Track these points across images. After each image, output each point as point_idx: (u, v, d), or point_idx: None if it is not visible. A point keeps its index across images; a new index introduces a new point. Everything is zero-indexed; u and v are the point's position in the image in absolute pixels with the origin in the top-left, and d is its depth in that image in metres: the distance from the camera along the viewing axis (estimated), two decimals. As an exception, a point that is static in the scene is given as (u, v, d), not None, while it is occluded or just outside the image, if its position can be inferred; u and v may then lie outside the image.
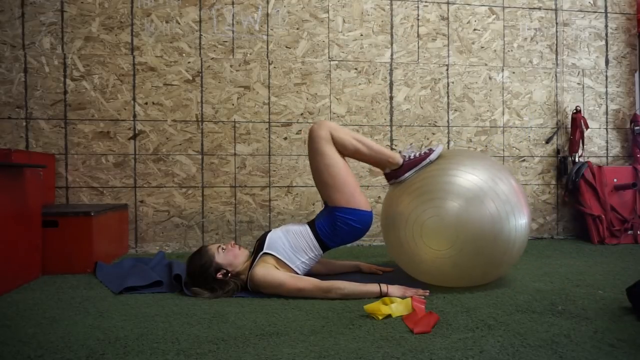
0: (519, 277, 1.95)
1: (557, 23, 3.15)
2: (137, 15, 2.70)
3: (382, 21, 2.93)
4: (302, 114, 2.84)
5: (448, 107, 3.00)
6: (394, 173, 1.82)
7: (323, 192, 1.82)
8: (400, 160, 1.80)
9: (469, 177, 1.66)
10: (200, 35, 2.75)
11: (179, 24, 2.73)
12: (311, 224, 1.83)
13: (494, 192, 1.63)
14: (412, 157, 1.79)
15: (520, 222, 1.65)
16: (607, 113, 3.22)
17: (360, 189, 1.83)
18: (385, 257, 2.44)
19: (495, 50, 3.07)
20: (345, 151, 1.81)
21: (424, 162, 1.77)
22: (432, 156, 1.78)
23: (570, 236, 3.14)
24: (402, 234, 1.72)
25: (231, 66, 2.77)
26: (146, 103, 2.70)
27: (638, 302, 1.42)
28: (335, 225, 1.77)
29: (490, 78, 3.06)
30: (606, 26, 3.22)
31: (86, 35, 2.65)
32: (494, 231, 1.60)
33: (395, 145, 2.93)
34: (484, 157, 1.86)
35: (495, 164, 1.78)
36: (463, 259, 1.63)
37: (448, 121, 3.00)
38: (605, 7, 3.21)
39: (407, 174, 1.79)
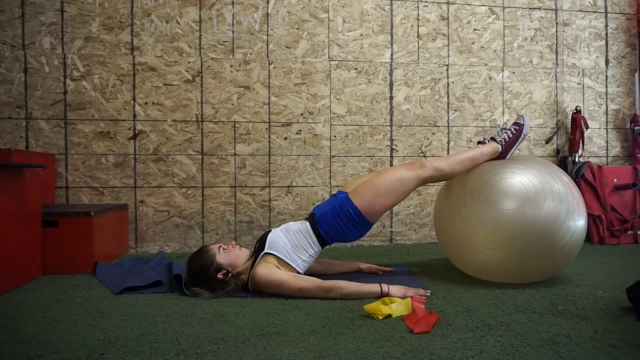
0: (519, 277, 1.95)
1: (557, 23, 3.15)
2: (137, 15, 2.70)
3: (382, 21, 2.93)
4: (302, 114, 2.84)
5: (448, 107, 3.00)
6: (496, 158, 1.91)
7: (363, 189, 1.81)
8: (500, 148, 1.89)
9: (527, 177, 1.73)
10: (200, 35, 2.75)
11: (179, 24, 2.73)
12: (311, 219, 1.84)
13: (551, 191, 1.69)
14: (507, 140, 1.89)
15: (578, 222, 1.71)
16: (607, 113, 3.22)
17: (382, 214, 1.87)
18: (385, 257, 2.44)
19: (495, 50, 3.07)
20: (449, 177, 1.89)
21: (521, 139, 1.90)
22: (525, 130, 1.90)
23: (570, 236, 3.14)
24: (463, 231, 1.79)
25: (231, 66, 2.77)
26: (146, 103, 2.70)
27: (638, 302, 1.42)
28: (340, 220, 1.78)
29: (490, 78, 3.06)
30: (606, 26, 3.22)
31: (86, 35, 2.65)
32: (553, 229, 1.66)
33: (395, 146, 2.93)
34: (537, 160, 1.94)
35: (550, 166, 1.86)
36: (522, 256, 1.69)
37: (448, 121, 3.00)
38: (605, 7, 3.21)
39: (509, 155, 1.92)
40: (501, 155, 1.90)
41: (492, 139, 1.91)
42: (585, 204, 1.79)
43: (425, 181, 1.83)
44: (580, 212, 1.72)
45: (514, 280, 1.79)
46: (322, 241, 1.80)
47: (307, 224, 1.82)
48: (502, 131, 1.92)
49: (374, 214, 1.80)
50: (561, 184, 1.73)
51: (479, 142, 1.92)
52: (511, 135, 1.89)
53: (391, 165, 2.93)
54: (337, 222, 1.78)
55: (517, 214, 1.67)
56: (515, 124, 1.93)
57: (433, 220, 2.10)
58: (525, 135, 1.91)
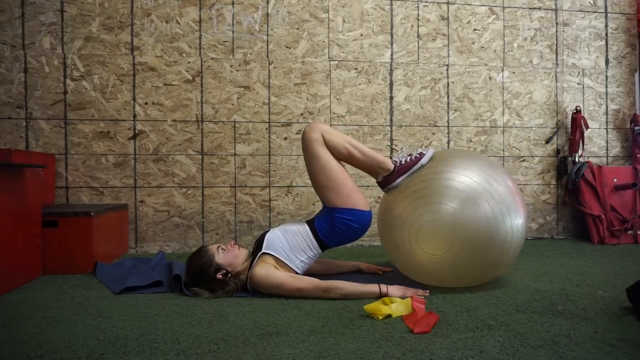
0: (519, 277, 1.95)
1: (557, 23, 3.15)
2: (137, 15, 2.70)
3: (382, 21, 2.93)
4: (302, 114, 2.84)
5: (448, 107, 3.00)
6: (387, 179, 1.81)
7: (320, 193, 1.82)
8: (392, 166, 1.79)
9: (463, 179, 1.65)
10: (200, 35, 2.75)
11: (179, 24, 2.73)
12: (310, 223, 1.83)
13: (488, 193, 1.63)
14: (403, 162, 1.79)
15: (516, 222, 1.65)
16: (607, 113, 3.22)
17: (357, 188, 1.83)
18: (385, 257, 2.44)
19: (495, 50, 3.07)
20: (338, 155, 1.80)
21: (416, 167, 1.77)
22: (423, 160, 1.77)
23: (570, 236, 3.14)
24: (399, 237, 1.72)
25: (231, 66, 2.77)
26: (146, 103, 2.70)
27: (638, 302, 1.42)
28: (334, 226, 1.77)
29: (490, 78, 3.06)
30: (606, 26, 3.22)
31: (86, 35, 2.65)
32: (489, 232, 1.60)
33: (396, 145, 2.93)
34: (479, 157, 1.86)
35: (491, 164, 1.77)
36: (460, 261, 1.63)
37: (448, 121, 3.00)
38: (605, 7, 3.21)
39: (399, 179, 1.78)
40: (391, 177, 1.79)
41: (390, 158, 1.85)
42: (524, 203, 1.73)
43: (321, 142, 1.75)
44: (518, 212, 1.66)
45: (455, 283, 1.74)
46: (322, 244, 1.80)
47: (306, 226, 1.82)
48: (403, 155, 1.86)
49: (351, 198, 1.76)
50: (500, 183, 1.67)
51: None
52: (408, 161, 1.79)
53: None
54: (331, 227, 1.77)
55: (455, 216, 1.61)
56: (419, 153, 1.82)
57: (377, 224, 1.99)
58: (422, 165, 1.77)
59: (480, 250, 1.62)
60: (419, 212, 1.66)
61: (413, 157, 1.79)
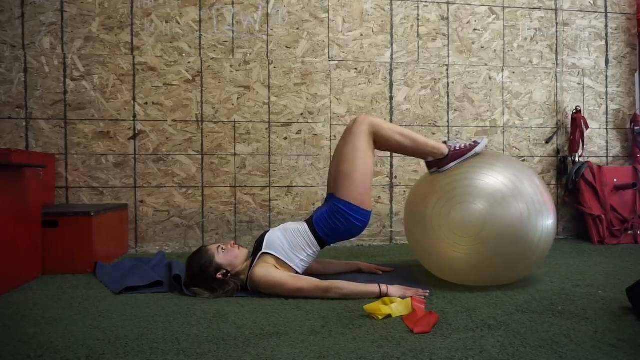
0: (519, 277, 1.95)
1: (557, 23, 3.15)
2: (137, 15, 2.70)
3: (382, 21, 2.93)
4: (302, 114, 2.84)
5: (448, 107, 3.00)
6: (437, 162, 1.82)
7: (337, 180, 1.80)
8: (446, 151, 1.81)
9: (495, 179, 1.68)
10: (200, 35, 2.75)
11: (179, 24, 2.73)
12: (309, 221, 1.83)
13: (520, 193, 1.65)
14: (457, 148, 1.81)
15: (546, 222, 1.68)
16: (607, 113, 3.22)
17: (371, 189, 1.83)
18: (385, 257, 2.44)
19: (495, 50, 3.07)
20: (388, 146, 1.82)
21: (470, 154, 1.79)
22: (478, 149, 1.80)
23: (570, 236, 3.14)
24: (429, 234, 1.74)
25: (231, 66, 2.77)
26: (146, 103, 2.70)
27: (638, 302, 1.42)
28: (334, 218, 1.76)
29: (490, 78, 3.06)
30: (606, 26, 3.22)
31: (86, 35, 2.65)
32: (520, 232, 1.63)
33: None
34: (510, 159, 1.88)
35: (521, 165, 1.81)
36: (488, 259, 1.66)
37: (448, 121, 3.00)
38: (605, 7, 3.21)
39: (451, 164, 1.80)
40: (443, 161, 1.80)
41: (444, 142, 1.86)
42: (553, 204, 1.75)
43: (370, 134, 1.77)
44: (548, 213, 1.69)
45: (484, 282, 1.76)
46: (321, 241, 1.80)
47: (305, 224, 1.82)
48: (457, 140, 1.88)
49: (363, 197, 1.77)
50: (530, 183, 1.70)
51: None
52: (463, 147, 1.81)
53: (391, 166, 2.93)
54: (333, 220, 1.77)
55: (485, 216, 1.63)
56: (473, 141, 1.84)
57: (404, 223, 2.03)
58: (476, 153, 1.80)
59: (510, 249, 1.64)
60: (447, 209, 1.69)
61: (467, 144, 1.81)
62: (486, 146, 1.82)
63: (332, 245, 1.88)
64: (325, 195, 2.82)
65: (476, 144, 1.81)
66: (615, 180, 2.98)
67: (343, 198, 1.76)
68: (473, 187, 1.69)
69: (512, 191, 1.66)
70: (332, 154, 2.85)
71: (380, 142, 1.81)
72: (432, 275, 1.98)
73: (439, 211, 1.72)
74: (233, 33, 2.78)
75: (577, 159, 3.06)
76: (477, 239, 1.64)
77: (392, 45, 2.95)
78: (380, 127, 1.78)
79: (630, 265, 2.22)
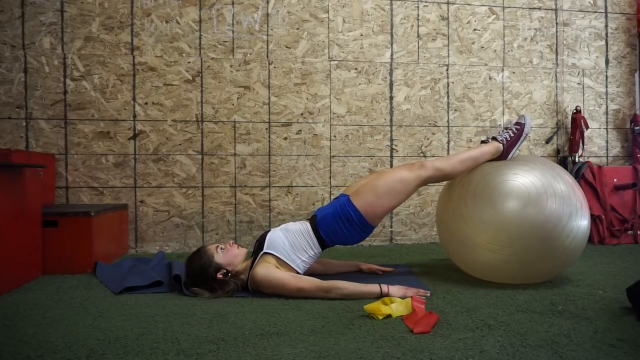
0: (519, 277, 1.95)
1: (557, 23, 3.15)
2: (137, 15, 2.70)
3: (382, 21, 2.93)
4: (302, 114, 2.84)
5: (448, 107, 3.00)
6: (498, 159, 1.88)
7: (363, 190, 1.81)
8: (501, 147, 1.87)
9: (529, 179, 1.72)
10: (200, 35, 2.75)
11: (179, 24, 2.73)
12: (312, 220, 1.83)
13: (554, 193, 1.68)
14: (509, 139, 1.87)
15: (581, 222, 1.70)
16: (607, 113, 3.22)
17: (383, 218, 1.86)
18: (385, 257, 2.44)
19: (495, 50, 3.07)
20: (451, 177, 1.87)
21: (522, 138, 1.88)
22: (526, 129, 1.88)
23: (570, 236, 3.13)
24: (464, 233, 1.78)
25: (231, 66, 2.77)
26: (146, 103, 2.70)
27: (638, 302, 1.42)
28: (340, 222, 1.77)
29: (490, 78, 3.06)
30: (606, 26, 3.22)
31: (86, 35, 2.65)
32: (556, 230, 1.65)
33: (395, 146, 2.93)
34: (539, 160, 1.92)
35: (552, 165, 1.84)
36: (522, 259, 1.69)
37: (448, 121, 3.00)
38: (605, 7, 3.21)
39: (510, 154, 1.88)
40: (502, 155, 1.88)
41: (494, 138, 1.90)
42: (588, 204, 1.79)
43: (426, 181, 1.82)
44: (583, 213, 1.72)
45: (516, 281, 1.79)
46: (323, 243, 1.80)
47: (308, 224, 1.82)
48: (503, 131, 1.91)
49: (375, 216, 1.79)
50: (564, 184, 1.72)
51: (482, 142, 1.91)
52: (512, 135, 1.87)
53: (391, 165, 2.93)
54: (338, 223, 1.77)
55: (520, 216, 1.66)
56: (517, 123, 1.91)
57: (436, 220, 2.10)
58: (526, 135, 1.89)
59: (544, 248, 1.67)
60: (481, 209, 1.74)
61: (514, 129, 1.88)
62: (531, 121, 1.88)
63: (332, 247, 1.88)
64: (325, 195, 2.83)
65: (521, 125, 1.87)
66: (615, 180, 2.98)
67: (357, 205, 1.77)
68: (509, 187, 1.72)
69: (547, 189, 1.69)
70: (332, 154, 2.85)
71: (443, 178, 1.86)
72: (432, 275, 1.98)
73: (475, 206, 1.76)
74: (233, 33, 2.78)
75: (577, 159, 3.06)
76: (509, 238, 1.68)
77: (392, 45, 2.95)
78: (443, 171, 1.82)
79: (630, 265, 2.22)
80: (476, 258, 1.78)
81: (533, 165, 1.78)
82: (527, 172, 1.74)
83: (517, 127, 1.89)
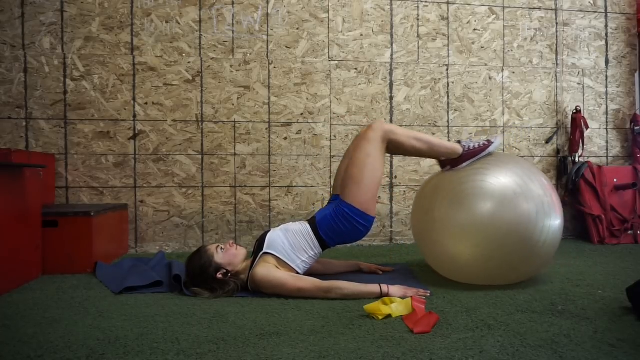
0: (519, 277, 1.95)
1: (557, 23, 3.15)
2: (137, 15, 2.70)
3: (382, 21, 2.93)
4: (302, 114, 2.84)
5: (448, 107, 3.00)
6: (451, 162, 1.84)
7: (345, 183, 1.80)
8: (460, 151, 1.82)
9: (501, 180, 1.69)
10: (200, 35, 2.75)
11: (179, 24, 2.73)
12: (311, 221, 1.83)
13: (525, 194, 1.66)
14: (471, 148, 1.82)
15: (553, 222, 1.70)
16: (607, 113, 3.22)
17: (376, 198, 1.84)
18: (385, 257, 2.44)
19: (495, 50, 3.07)
20: (403, 151, 1.84)
21: (483, 153, 1.81)
22: (491, 148, 1.82)
23: (570, 236, 3.14)
24: (434, 235, 1.77)
25: (231, 66, 2.77)
26: (146, 103, 2.70)
27: (638, 302, 1.42)
28: (338, 221, 1.77)
29: (490, 78, 3.06)
30: (606, 26, 3.22)
31: (86, 35, 2.65)
32: (527, 232, 1.64)
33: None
34: (515, 159, 1.89)
35: (528, 165, 1.82)
36: (495, 260, 1.68)
37: (448, 121, 3.00)
38: (605, 7, 3.21)
39: (464, 164, 1.82)
40: (457, 161, 1.82)
41: (459, 141, 1.87)
42: (560, 204, 1.77)
43: (383, 140, 1.77)
44: (555, 212, 1.71)
45: (492, 282, 1.77)
46: (323, 243, 1.80)
47: (307, 225, 1.82)
48: (471, 140, 1.89)
49: (368, 203, 1.77)
50: (538, 184, 1.71)
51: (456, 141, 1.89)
52: (476, 147, 1.82)
53: (391, 165, 2.93)
54: (336, 222, 1.77)
55: (492, 217, 1.65)
56: (487, 140, 1.86)
57: (410, 226, 2.09)
58: (489, 153, 1.82)
59: (515, 250, 1.65)
60: (454, 211, 1.71)
61: (481, 143, 1.83)
62: (498, 146, 1.83)
63: (333, 247, 1.88)
64: (325, 195, 2.83)
65: (490, 143, 1.82)
66: (615, 180, 2.98)
67: (349, 202, 1.77)
68: (479, 188, 1.70)
69: (523, 190, 1.67)
70: (332, 154, 2.85)
71: (395, 147, 1.82)
72: (432, 275, 1.98)
73: (446, 207, 1.74)
74: (233, 33, 2.78)
75: (577, 159, 3.06)
76: (482, 237, 1.66)
77: (392, 45, 2.95)
78: (395, 133, 1.79)
79: (630, 265, 2.22)
80: (451, 260, 1.78)
81: (505, 165, 1.75)
82: (499, 172, 1.72)
83: (485, 142, 1.83)
